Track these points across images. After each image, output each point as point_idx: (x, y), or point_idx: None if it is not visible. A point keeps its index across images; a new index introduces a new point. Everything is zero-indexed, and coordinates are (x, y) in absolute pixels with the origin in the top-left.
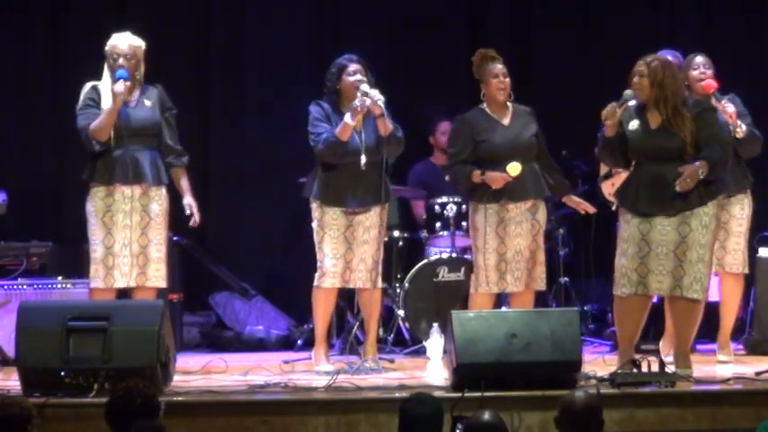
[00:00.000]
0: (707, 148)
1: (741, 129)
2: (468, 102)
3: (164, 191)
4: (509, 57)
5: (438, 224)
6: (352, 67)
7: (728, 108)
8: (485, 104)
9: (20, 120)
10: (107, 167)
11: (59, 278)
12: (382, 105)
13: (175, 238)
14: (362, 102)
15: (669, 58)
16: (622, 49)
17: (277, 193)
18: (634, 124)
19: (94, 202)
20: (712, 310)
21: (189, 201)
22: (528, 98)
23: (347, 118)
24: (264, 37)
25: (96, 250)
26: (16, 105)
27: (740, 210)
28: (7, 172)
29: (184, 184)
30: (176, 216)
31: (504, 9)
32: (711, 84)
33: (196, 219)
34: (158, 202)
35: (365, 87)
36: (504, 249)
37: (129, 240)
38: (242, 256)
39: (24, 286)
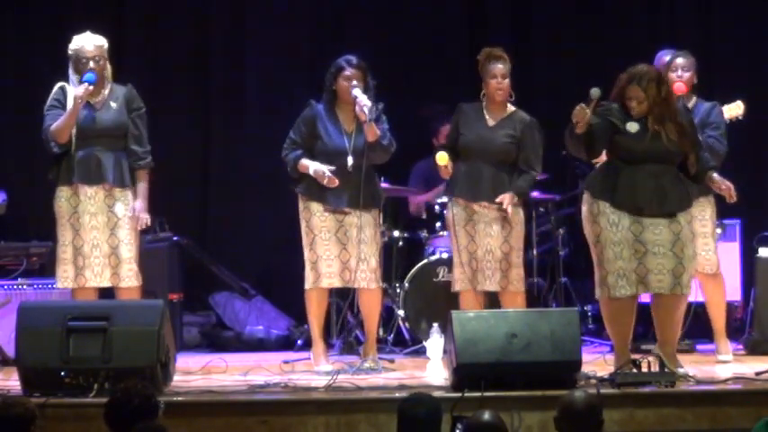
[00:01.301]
0: (703, 157)
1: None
2: (469, 100)
3: (129, 193)
4: (509, 56)
5: (438, 224)
6: (349, 71)
7: None
8: (485, 101)
9: (20, 120)
10: (69, 168)
11: None
12: (367, 112)
13: (175, 238)
14: (330, 179)
15: (668, 59)
16: (622, 50)
17: (277, 194)
18: (634, 126)
19: (60, 203)
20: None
21: (136, 205)
22: (528, 98)
23: (311, 169)
24: (264, 37)
25: (66, 251)
26: (17, 105)
27: (701, 211)
28: (7, 172)
29: (140, 187)
30: (176, 216)
31: (505, 9)
32: (680, 88)
33: (141, 223)
34: (123, 202)
35: (357, 93)
36: (475, 248)
37: (99, 241)
38: (242, 256)
39: (24, 286)
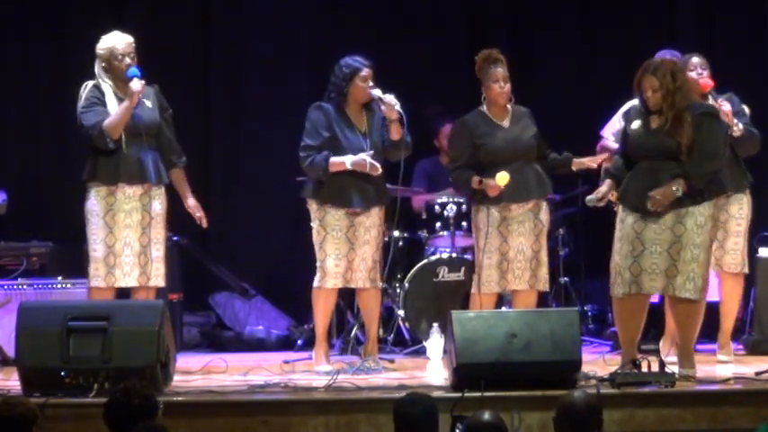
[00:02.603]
0: (690, 162)
1: (738, 128)
2: (469, 101)
3: (163, 190)
4: (509, 57)
5: (438, 224)
6: (365, 72)
7: (725, 107)
8: (485, 106)
9: (20, 120)
10: (111, 167)
11: (59, 278)
12: (400, 110)
13: (175, 238)
14: (373, 167)
15: (678, 58)
16: (622, 49)
17: (277, 194)
18: (636, 124)
19: (96, 201)
20: (713, 310)
21: (193, 203)
22: (528, 98)
23: (348, 163)
24: (264, 37)
25: (97, 249)
26: (17, 105)
27: (738, 209)
28: (7, 172)
29: (186, 185)
30: (176, 216)
31: (504, 9)
32: (708, 82)
33: (203, 220)
34: (159, 200)
35: (378, 93)
36: (507, 248)
37: (130, 239)
38: (242, 256)
39: (24, 286)
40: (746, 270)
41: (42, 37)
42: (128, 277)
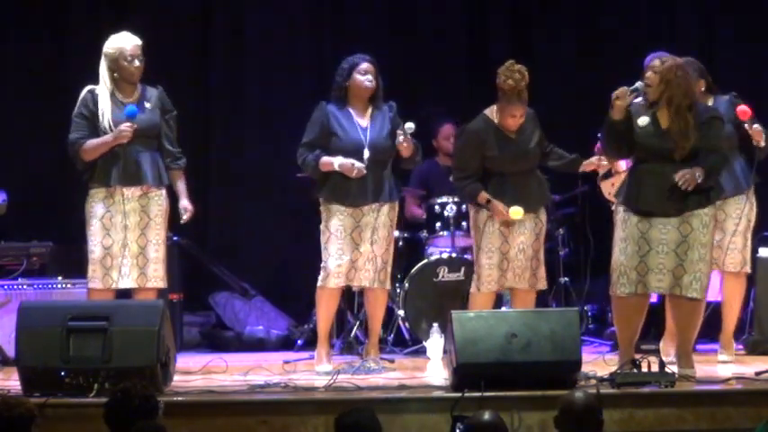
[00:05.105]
0: (707, 156)
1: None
2: (468, 102)
3: (164, 191)
4: (509, 57)
5: (438, 224)
6: (364, 65)
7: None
8: (494, 113)
9: (20, 119)
10: (107, 169)
11: (59, 278)
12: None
13: (175, 238)
14: (360, 170)
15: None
16: (622, 50)
17: (277, 193)
18: (644, 120)
19: (93, 204)
20: (714, 310)
21: (185, 204)
22: (528, 98)
23: (336, 164)
24: (265, 38)
25: (94, 251)
26: (17, 105)
27: (736, 209)
28: (7, 172)
29: (181, 186)
30: (176, 216)
31: (504, 10)
32: (746, 111)
33: (184, 217)
34: (158, 202)
35: (402, 132)
36: (508, 248)
37: (128, 241)
38: (242, 256)
39: (24, 286)
40: (748, 269)
41: (42, 37)
42: (126, 279)
